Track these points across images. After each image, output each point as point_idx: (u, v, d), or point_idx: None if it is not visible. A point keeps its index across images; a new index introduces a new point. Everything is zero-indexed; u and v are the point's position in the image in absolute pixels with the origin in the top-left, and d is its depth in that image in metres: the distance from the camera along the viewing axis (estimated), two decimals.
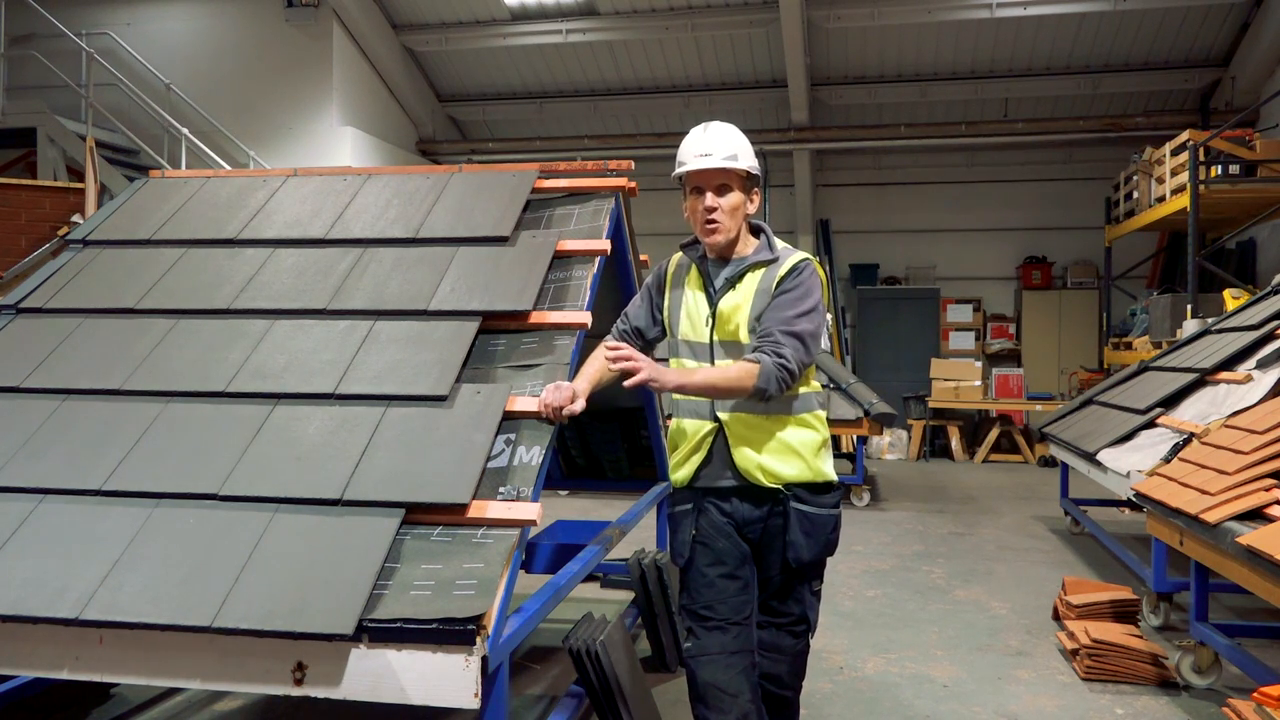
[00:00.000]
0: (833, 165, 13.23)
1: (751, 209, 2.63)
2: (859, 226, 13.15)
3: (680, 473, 2.64)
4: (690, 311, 2.64)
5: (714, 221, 2.55)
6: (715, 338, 2.58)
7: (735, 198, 2.57)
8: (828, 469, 2.61)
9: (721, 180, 2.55)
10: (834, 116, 12.30)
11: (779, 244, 2.65)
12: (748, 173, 2.57)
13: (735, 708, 2.44)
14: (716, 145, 2.55)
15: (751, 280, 2.57)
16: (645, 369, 2.41)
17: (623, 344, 2.48)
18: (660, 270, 2.78)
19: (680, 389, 2.46)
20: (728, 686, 2.46)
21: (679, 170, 2.59)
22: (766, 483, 2.53)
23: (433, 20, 11.84)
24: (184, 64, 11.19)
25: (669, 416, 2.77)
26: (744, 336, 2.54)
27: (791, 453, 2.55)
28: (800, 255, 2.61)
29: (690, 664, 2.52)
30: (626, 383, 2.41)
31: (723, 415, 2.55)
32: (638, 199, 3.56)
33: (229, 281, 3.15)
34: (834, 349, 11.70)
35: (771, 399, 2.47)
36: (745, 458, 2.54)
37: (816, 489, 2.59)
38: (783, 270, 2.56)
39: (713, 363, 2.57)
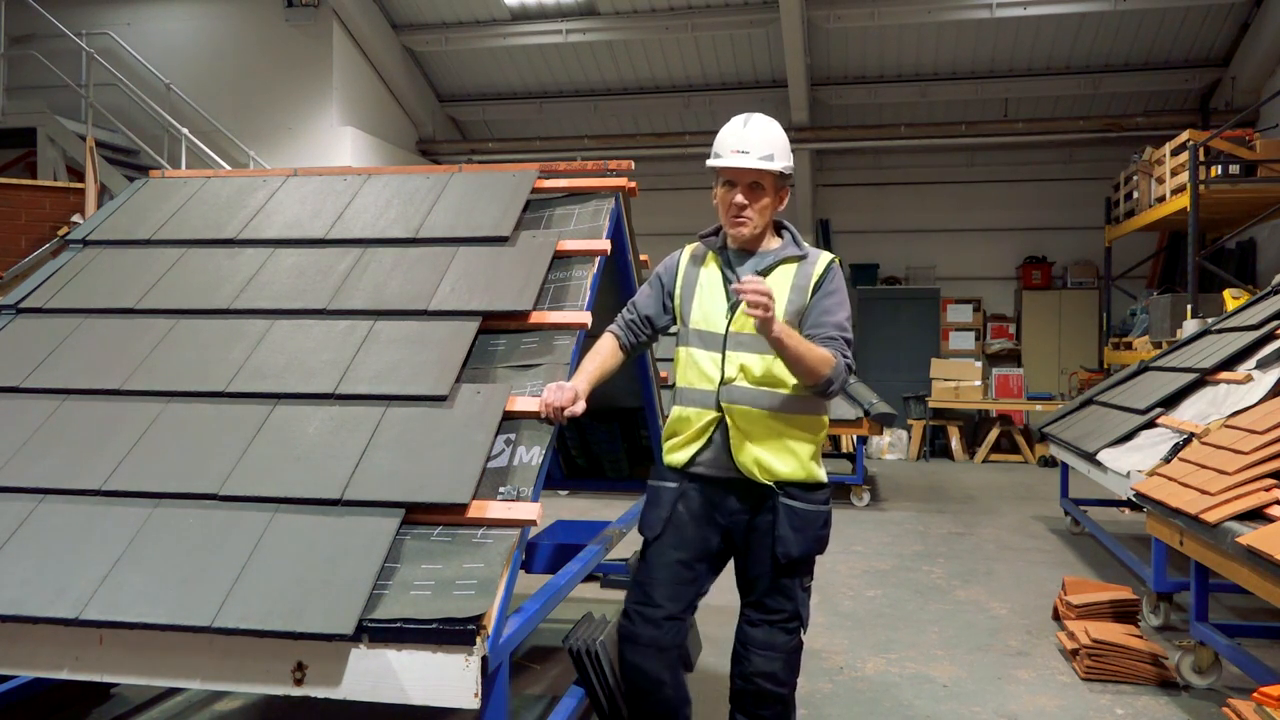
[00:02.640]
0: (833, 165, 13.23)
1: (781, 207, 2.65)
2: (859, 226, 13.15)
3: (676, 455, 2.65)
4: (705, 302, 2.63)
5: (743, 218, 2.57)
6: (731, 329, 2.57)
7: (767, 198, 2.58)
8: (820, 470, 2.64)
9: (755, 179, 2.55)
10: (834, 116, 12.30)
11: (804, 242, 2.68)
12: (781, 172, 2.58)
13: (655, 691, 2.56)
14: (754, 143, 2.54)
15: (784, 275, 2.58)
16: (775, 317, 2.33)
17: (764, 282, 2.35)
18: (673, 259, 2.78)
19: (779, 340, 2.37)
20: (651, 672, 2.56)
21: (713, 162, 2.59)
22: (761, 478, 2.55)
23: (433, 20, 11.84)
24: (184, 64, 11.19)
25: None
26: None
27: (788, 451, 2.57)
28: (830, 255, 2.64)
29: (620, 636, 2.61)
30: (753, 313, 2.31)
31: (726, 406, 2.56)
32: (638, 199, 3.55)
33: (229, 281, 3.14)
34: None
35: (832, 395, 2.54)
36: (744, 451, 2.55)
37: (808, 487, 2.60)
38: (819, 269, 2.59)
39: (723, 354, 2.57)
